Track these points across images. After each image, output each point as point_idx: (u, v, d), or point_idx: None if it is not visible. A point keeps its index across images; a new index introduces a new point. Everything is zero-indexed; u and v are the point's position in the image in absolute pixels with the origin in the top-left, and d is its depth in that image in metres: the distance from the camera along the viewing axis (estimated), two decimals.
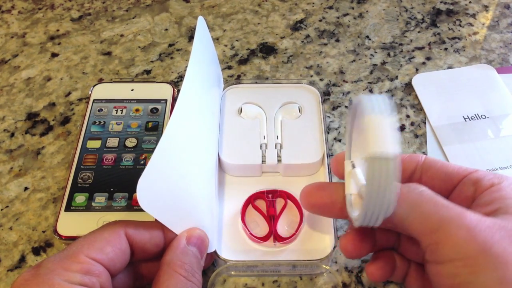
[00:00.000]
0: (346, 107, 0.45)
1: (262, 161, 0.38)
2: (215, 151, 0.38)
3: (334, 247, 0.34)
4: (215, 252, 0.33)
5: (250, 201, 0.37)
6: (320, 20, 0.53)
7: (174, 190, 0.30)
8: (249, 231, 0.35)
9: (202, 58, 0.36)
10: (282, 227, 0.36)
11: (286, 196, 0.37)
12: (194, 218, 0.31)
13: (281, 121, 0.40)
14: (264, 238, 0.35)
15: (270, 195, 0.37)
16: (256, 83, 0.44)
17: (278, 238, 0.35)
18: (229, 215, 0.36)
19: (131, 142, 0.40)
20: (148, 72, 0.48)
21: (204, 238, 0.31)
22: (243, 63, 0.49)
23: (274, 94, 0.42)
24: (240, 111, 0.41)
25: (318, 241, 0.35)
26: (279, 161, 0.38)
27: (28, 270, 0.26)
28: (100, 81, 0.47)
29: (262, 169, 0.38)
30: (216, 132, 0.39)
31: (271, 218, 0.36)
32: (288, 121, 0.40)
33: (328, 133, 0.42)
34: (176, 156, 0.30)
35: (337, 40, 0.51)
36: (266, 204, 0.37)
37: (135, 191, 0.27)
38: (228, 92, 0.43)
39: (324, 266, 0.33)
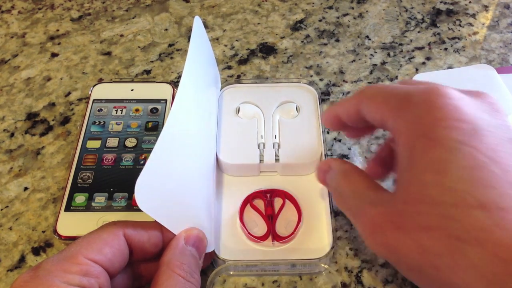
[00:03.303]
0: None
1: (260, 160, 0.38)
2: (213, 150, 0.38)
3: (333, 246, 0.34)
4: (213, 252, 0.33)
5: (248, 200, 0.37)
6: (320, 20, 0.53)
7: (172, 190, 0.30)
8: (247, 230, 0.35)
9: (199, 58, 0.36)
10: (281, 227, 0.36)
11: (284, 195, 0.37)
12: (193, 218, 0.31)
13: (278, 121, 0.40)
14: (263, 238, 0.35)
15: (268, 195, 0.37)
16: (253, 82, 0.44)
17: (277, 238, 0.35)
18: (228, 215, 0.36)
19: (131, 142, 0.40)
20: (148, 72, 0.48)
21: (202, 238, 0.31)
22: (243, 63, 0.49)
23: (271, 94, 0.42)
24: (238, 110, 0.41)
25: (316, 240, 0.35)
26: (277, 160, 0.38)
27: (27, 272, 0.26)
28: (100, 81, 0.47)
29: (260, 169, 0.38)
30: (213, 131, 0.39)
31: (270, 218, 0.36)
32: (286, 120, 0.40)
33: (328, 133, 0.42)
34: (173, 156, 0.30)
35: (337, 40, 0.50)
36: (264, 203, 0.37)
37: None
38: (226, 92, 0.43)
39: (323, 265, 0.33)
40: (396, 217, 0.25)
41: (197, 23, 0.36)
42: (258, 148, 0.39)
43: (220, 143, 0.39)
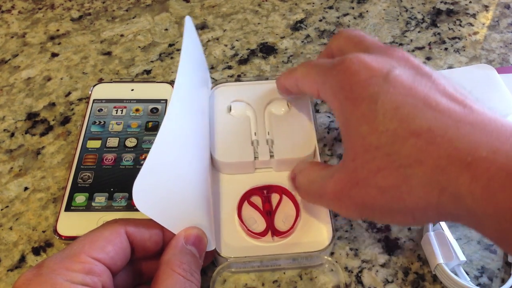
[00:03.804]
0: None
1: (255, 157, 0.38)
2: (208, 149, 0.38)
3: (333, 238, 0.34)
4: (215, 250, 0.33)
5: (245, 198, 0.37)
6: (320, 20, 0.53)
7: (170, 191, 0.30)
8: (246, 227, 0.35)
9: (191, 58, 0.36)
10: (279, 222, 0.36)
11: (281, 191, 0.37)
12: (192, 218, 0.31)
13: (270, 117, 0.40)
14: (262, 234, 0.35)
15: (265, 191, 0.37)
16: (245, 81, 0.44)
17: (276, 233, 0.35)
18: (226, 213, 0.36)
19: (131, 142, 0.40)
20: (148, 72, 0.48)
21: (202, 237, 0.31)
22: (243, 63, 0.49)
23: (261, 91, 0.42)
24: (230, 109, 0.41)
25: (315, 233, 0.35)
26: (271, 156, 0.38)
27: (30, 270, 0.26)
28: (100, 81, 0.47)
29: (255, 166, 0.38)
30: (207, 131, 0.39)
31: (268, 214, 0.36)
32: (278, 116, 0.40)
33: (328, 133, 0.42)
34: (171, 156, 0.30)
35: None
36: (262, 200, 0.37)
37: None
38: (217, 91, 0.42)
39: (326, 257, 0.33)
40: (352, 176, 0.28)
41: (188, 23, 0.36)
42: (252, 145, 0.39)
43: (214, 142, 0.39)
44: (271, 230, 0.35)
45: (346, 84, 0.29)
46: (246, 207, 0.37)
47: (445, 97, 0.27)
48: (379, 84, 0.28)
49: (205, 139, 0.38)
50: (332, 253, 0.35)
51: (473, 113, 0.26)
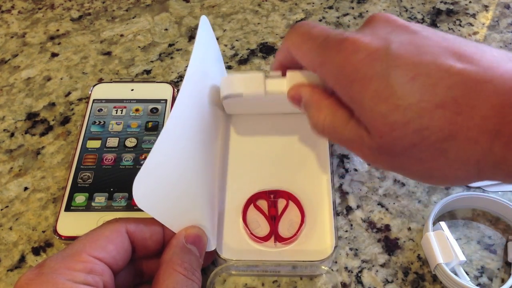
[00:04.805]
0: None
1: (266, 76, 0.35)
2: (216, 150, 0.37)
3: (335, 248, 0.34)
4: (215, 251, 0.33)
5: (252, 201, 0.37)
6: (320, 20, 0.53)
7: (171, 189, 0.30)
8: (249, 230, 0.35)
9: (204, 58, 0.36)
10: (283, 228, 0.36)
11: (288, 196, 0.37)
12: (193, 217, 0.31)
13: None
14: (265, 238, 0.35)
15: (271, 195, 0.37)
16: None
17: (279, 239, 0.35)
18: (230, 214, 0.36)
19: (131, 142, 0.40)
20: (148, 72, 0.48)
21: (202, 236, 0.31)
22: (243, 63, 0.49)
23: None
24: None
25: (318, 242, 0.35)
26: (283, 74, 0.35)
27: (31, 270, 0.26)
28: (100, 81, 0.47)
29: (266, 86, 0.35)
30: (218, 131, 0.38)
31: (273, 219, 0.36)
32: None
33: None
34: (173, 154, 0.30)
35: None
36: (268, 204, 0.37)
37: None
38: None
39: (323, 267, 0.33)
40: (385, 150, 0.27)
41: (204, 22, 0.35)
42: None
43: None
44: (274, 235, 0.35)
45: (348, 65, 0.28)
46: (251, 210, 0.37)
47: (453, 58, 0.25)
48: (382, 58, 0.27)
49: (215, 139, 0.37)
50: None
51: (487, 70, 0.24)
